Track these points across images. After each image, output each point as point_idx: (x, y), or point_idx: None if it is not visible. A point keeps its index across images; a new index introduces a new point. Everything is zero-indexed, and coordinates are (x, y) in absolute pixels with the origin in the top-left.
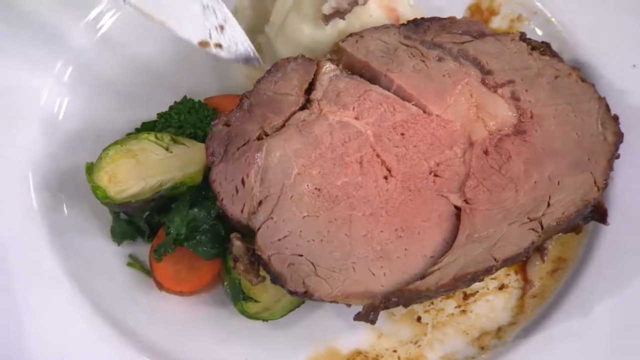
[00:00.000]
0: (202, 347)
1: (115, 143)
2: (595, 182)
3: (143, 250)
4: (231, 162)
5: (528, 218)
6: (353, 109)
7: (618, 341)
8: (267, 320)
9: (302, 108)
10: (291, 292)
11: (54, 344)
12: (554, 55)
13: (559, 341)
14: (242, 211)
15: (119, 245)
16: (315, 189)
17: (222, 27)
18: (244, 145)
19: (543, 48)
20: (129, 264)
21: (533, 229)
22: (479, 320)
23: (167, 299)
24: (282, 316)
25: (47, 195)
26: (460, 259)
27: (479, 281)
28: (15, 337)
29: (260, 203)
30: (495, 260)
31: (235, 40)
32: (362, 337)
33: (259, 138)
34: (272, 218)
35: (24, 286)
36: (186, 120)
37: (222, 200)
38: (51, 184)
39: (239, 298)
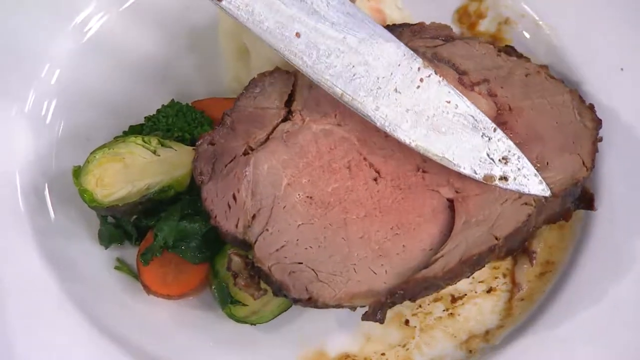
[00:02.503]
0: (189, 352)
1: (103, 146)
2: (583, 163)
3: (131, 253)
4: (220, 179)
5: (519, 195)
6: (335, 116)
7: (605, 344)
8: (255, 324)
9: (285, 120)
10: (295, 300)
11: (40, 347)
12: (520, 56)
13: (546, 344)
14: (236, 226)
15: (106, 249)
16: (307, 197)
17: (506, 159)
18: (231, 161)
19: (508, 51)
20: (116, 267)
21: (526, 203)
22: (467, 324)
23: (155, 302)
24: (270, 319)
25: (35, 199)
26: (462, 244)
27: (485, 264)
28: (2, 341)
29: (254, 216)
30: (496, 238)
31: (523, 173)
32: (350, 340)
33: (245, 153)
34: (267, 230)
35: (10, 289)
36: (174, 123)
37: (215, 217)
38: (39, 188)
39: (227, 302)
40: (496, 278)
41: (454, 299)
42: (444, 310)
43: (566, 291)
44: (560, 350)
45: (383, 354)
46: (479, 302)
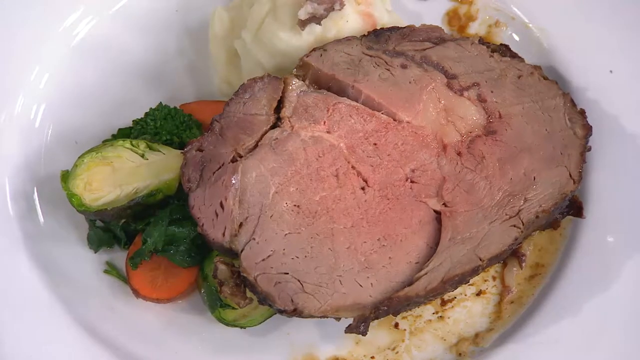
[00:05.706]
0: (179, 356)
1: (91, 150)
2: (570, 175)
3: (120, 257)
4: (208, 186)
5: (508, 215)
6: (324, 123)
7: (595, 347)
8: (244, 327)
9: (274, 126)
10: (280, 311)
11: (29, 351)
12: (514, 56)
13: (536, 347)
14: (223, 235)
15: (95, 253)
16: (295, 205)
17: None
18: (219, 168)
19: (503, 50)
20: (105, 271)
21: (515, 226)
22: (456, 327)
23: (144, 306)
24: (259, 323)
25: (24, 203)
26: (446, 262)
27: (466, 282)
28: None
29: (241, 225)
30: (480, 259)
31: None
32: (339, 343)
33: (234, 160)
34: (254, 239)
35: None
36: (162, 126)
37: (202, 225)
38: (28, 192)
39: (217, 305)
40: (486, 281)
41: (443, 302)
42: (433, 313)
43: (556, 294)
44: (550, 353)
45: (372, 357)
46: (469, 305)
